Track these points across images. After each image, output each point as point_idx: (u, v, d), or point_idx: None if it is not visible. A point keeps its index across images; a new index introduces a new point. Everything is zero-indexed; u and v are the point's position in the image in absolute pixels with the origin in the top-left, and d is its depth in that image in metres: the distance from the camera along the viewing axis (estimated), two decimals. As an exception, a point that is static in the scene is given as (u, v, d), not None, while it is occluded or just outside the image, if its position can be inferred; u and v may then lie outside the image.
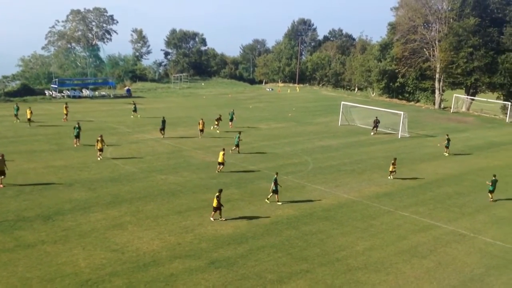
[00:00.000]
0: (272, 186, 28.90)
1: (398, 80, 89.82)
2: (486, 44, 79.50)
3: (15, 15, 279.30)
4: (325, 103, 78.46)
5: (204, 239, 23.56)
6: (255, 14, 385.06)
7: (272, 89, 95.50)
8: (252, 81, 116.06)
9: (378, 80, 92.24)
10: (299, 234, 25.00)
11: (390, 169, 35.86)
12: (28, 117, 46.19)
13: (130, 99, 66.04)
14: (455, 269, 22.55)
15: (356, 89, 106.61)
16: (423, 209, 30.25)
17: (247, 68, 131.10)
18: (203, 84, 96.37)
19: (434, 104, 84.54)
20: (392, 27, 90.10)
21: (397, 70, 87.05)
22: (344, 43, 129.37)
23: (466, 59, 78.53)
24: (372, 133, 53.10)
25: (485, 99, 79.71)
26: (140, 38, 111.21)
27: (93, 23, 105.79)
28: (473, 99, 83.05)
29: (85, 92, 69.70)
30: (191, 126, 50.20)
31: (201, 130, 45.51)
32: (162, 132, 44.51)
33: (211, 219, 25.82)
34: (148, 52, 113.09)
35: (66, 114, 49.76)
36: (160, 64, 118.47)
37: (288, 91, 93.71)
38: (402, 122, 53.26)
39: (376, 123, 53.94)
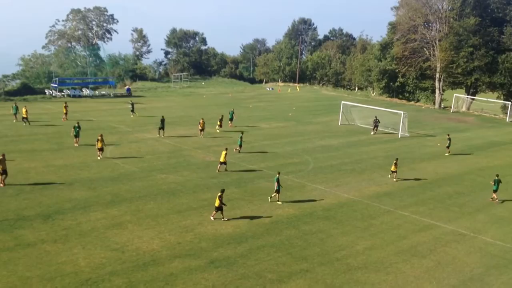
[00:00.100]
0: (276, 185, 28.85)
1: (398, 79, 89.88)
2: (487, 43, 79.50)
3: (16, 14, 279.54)
4: (326, 102, 78.47)
5: (204, 239, 23.57)
6: (255, 14, 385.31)
7: (272, 89, 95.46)
8: (252, 81, 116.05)
9: (378, 79, 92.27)
10: (299, 234, 25.00)
11: (392, 169, 35.70)
12: (24, 115, 46.18)
13: (130, 98, 65.97)
14: (455, 269, 22.55)
15: (356, 88, 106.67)
16: (423, 208, 30.25)
17: (247, 67, 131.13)
18: (203, 83, 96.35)
19: (434, 103, 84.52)
20: (393, 27, 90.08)
21: (397, 70, 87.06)
22: (345, 43, 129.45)
23: (466, 58, 78.52)
24: (372, 133, 53.09)
25: (485, 99, 79.63)
26: (141, 37, 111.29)
27: (94, 22, 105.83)
28: (473, 99, 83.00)
29: (85, 92, 69.65)
30: (191, 125, 50.19)
31: (202, 130, 45.49)
32: (162, 131, 44.48)
33: (212, 218, 25.83)
34: (148, 52, 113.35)
35: (66, 113, 49.73)
36: (160, 64, 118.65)
37: (289, 90, 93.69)
38: (402, 121, 53.24)
39: (376, 122, 53.94)
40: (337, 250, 23.48)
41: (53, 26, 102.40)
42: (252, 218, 26.59)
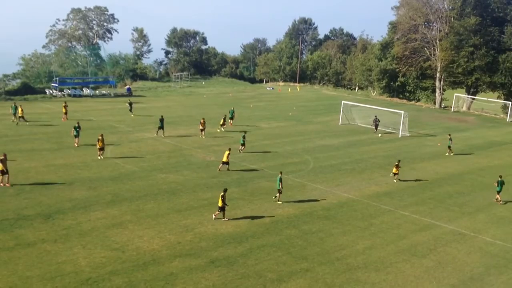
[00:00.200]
0: (279, 185, 28.79)
1: (398, 79, 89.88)
2: (487, 43, 79.46)
3: (16, 13, 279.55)
4: (326, 102, 78.47)
5: (204, 238, 23.57)
6: (255, 13, 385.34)
7: (272, 88, 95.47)
8: (252, 80, 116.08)
9: (379, 79, 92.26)
10: (299, 233, 25.00)
11: (394, 171, 35.49)
12: (20, 114, 46.32)
13: (128, 98, 65.93)
14: (455, 268, 22.55)
15: (357, 88, 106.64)
16: (423, 208, 30.25)
17: (248, 67, 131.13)
18: (203, 83, 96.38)
19: (434, 103, 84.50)
20: (393, 26, 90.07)
21: (397, 69, 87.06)
22: (345, 42, 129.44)
23: (466, 58, 78.50)
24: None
25: (486, 99, 79.64)
26: (141, 37, 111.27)
27: (94, 22, 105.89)
28: (473, 99, 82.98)
29: (86, 91, 69.68)
30: (191, 125, 50.20)
31: (202, 129, 45.49)
32: (162, 131, 44.47)
33: (213, 216, 25.84)
34: (149, 51, 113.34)
35: (65, 113, 49.75)
36: (160, 63, 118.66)
37: (289, 90, 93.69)
38: (403, 121, 53.21)
39: (376, 122, 53.89)
40: (337, 249, 23.48)
41: (54, 25, 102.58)
42: (252, 217, 26.59)
